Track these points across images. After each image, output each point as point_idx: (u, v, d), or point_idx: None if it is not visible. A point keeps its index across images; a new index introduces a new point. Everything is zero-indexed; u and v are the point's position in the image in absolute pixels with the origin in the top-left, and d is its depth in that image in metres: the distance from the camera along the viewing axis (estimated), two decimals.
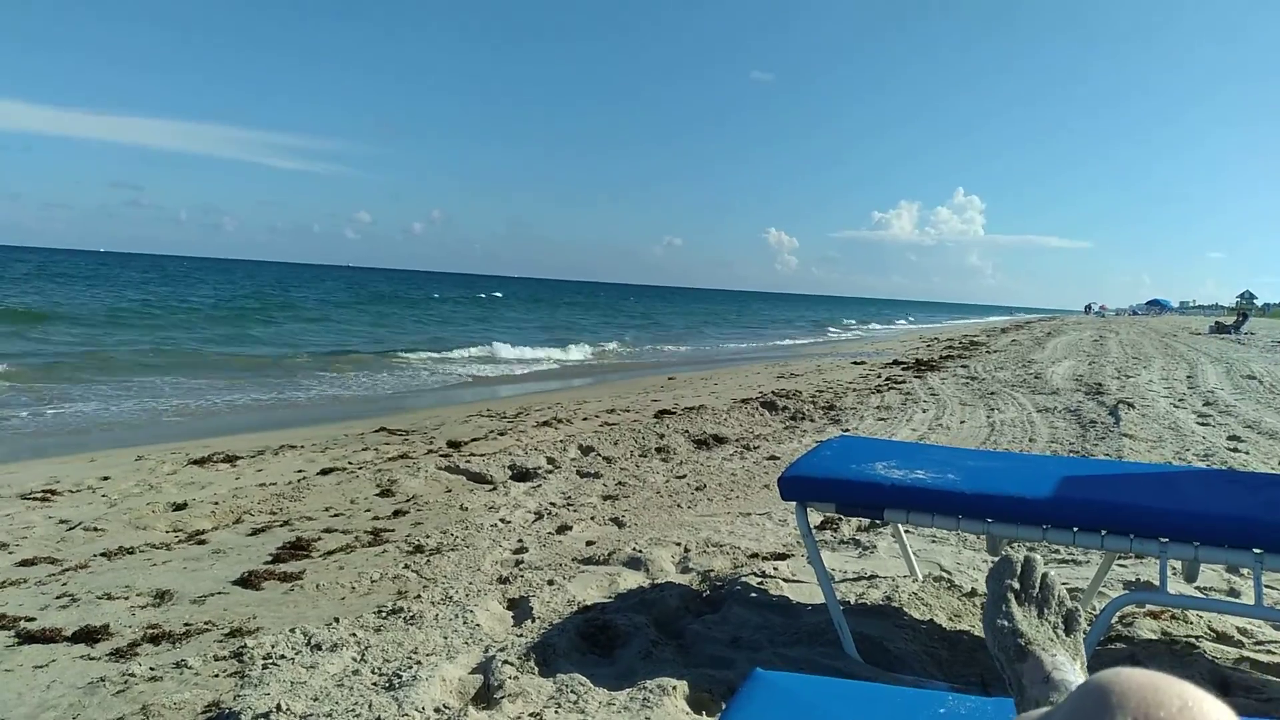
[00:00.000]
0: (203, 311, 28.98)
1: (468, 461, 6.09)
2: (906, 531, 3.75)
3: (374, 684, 2.51)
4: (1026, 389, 10.45)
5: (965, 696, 1.31)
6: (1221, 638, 2.89)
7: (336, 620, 3.03)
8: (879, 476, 2.59)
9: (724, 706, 1.50)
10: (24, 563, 3.87)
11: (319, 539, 4.30)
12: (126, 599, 3.38)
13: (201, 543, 4.26)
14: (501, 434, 7.53)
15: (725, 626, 2.92)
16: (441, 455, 6.46)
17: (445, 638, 2.87)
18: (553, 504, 5.02)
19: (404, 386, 13.33)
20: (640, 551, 3.82)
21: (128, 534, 4.40)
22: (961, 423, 7.86)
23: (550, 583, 3.41)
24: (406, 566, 3.82)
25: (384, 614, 3.09)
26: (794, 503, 2.72)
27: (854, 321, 54.92)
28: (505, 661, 2.58)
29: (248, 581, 3.61)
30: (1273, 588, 3.35)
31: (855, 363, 15.96)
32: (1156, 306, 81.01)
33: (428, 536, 4.30)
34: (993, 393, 10.08)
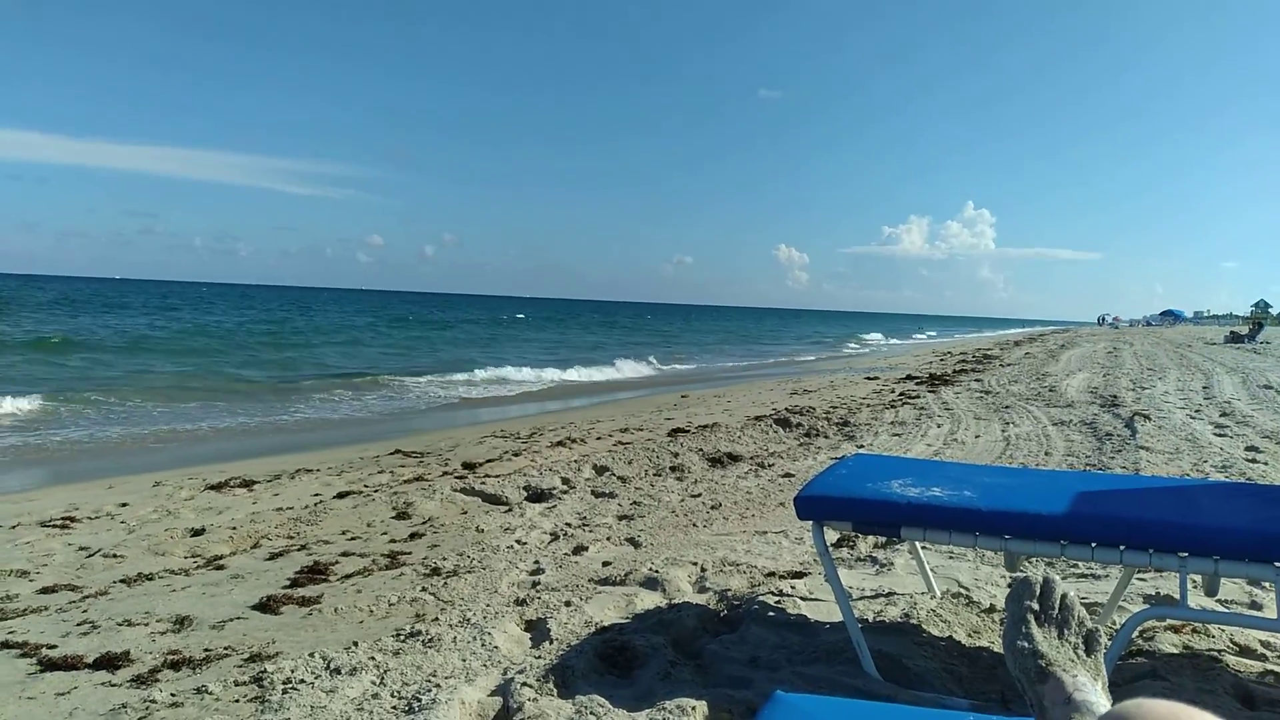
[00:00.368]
0: (226, 336, 29.24)
1: (483, 483, 6.10)
2: (923, 548, 3.73)
3: (393, 707, 2.51)
4: (1041, 402, 10.41)
5: (987, 716, 1.31)
6: (1244, 651, 2.86)
7: (355, 644, 3.03)
8: (895, 495, 2.59)
9: None
10: (45, 590, 3.90)
11: (336, 563, 4.32)
12: (146, 625, 3.40)
13: (220, 568, 4.28)
14: (516, 455, 7.55)
15: (743, 646, 2.91)
16: (457, 477, 6.48)
17: (464, 660, 2.88)
18: (568, 525, 5.02)
19: (411, 408, 13.40)
20: (657, 571, 3.81)
21: (147, 560, 4.43)
22: (976, 437, 7.82)
23: (567, 604, 3.41)
24: (424, 589, 3.82)
25: (402, 637, 3.10)
26: (810, 522, 2.72)
27: (878, 335, 54.99)
28: (524, 684, 2.59)
29: (266, 606, 3.63)
30: None
31: (869, 378, 15.93)
32: (1170, 317, 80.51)
33: (444, 559, 4.31)
34: (1007, 406, 10.04)
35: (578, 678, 2.68)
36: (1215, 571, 2.23)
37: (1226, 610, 3.17)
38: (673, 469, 6.64)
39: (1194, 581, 2.77)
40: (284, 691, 2.65)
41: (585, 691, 2.56)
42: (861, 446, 7.50)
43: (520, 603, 3.51)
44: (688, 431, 8.58)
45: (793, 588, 3.58)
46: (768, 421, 8.93)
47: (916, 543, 3.14)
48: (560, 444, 8.05)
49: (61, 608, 3.63)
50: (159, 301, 61.20)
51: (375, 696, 2.59)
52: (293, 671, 2.79)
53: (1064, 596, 1.22)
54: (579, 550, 4.44)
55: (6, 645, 3.17)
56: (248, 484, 6.38)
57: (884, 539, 4.25)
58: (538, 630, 3.18)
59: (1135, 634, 2.91)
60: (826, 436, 8.17)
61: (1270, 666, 2.74)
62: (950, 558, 4.00)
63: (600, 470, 6.61)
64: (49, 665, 2.98)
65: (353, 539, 4.82)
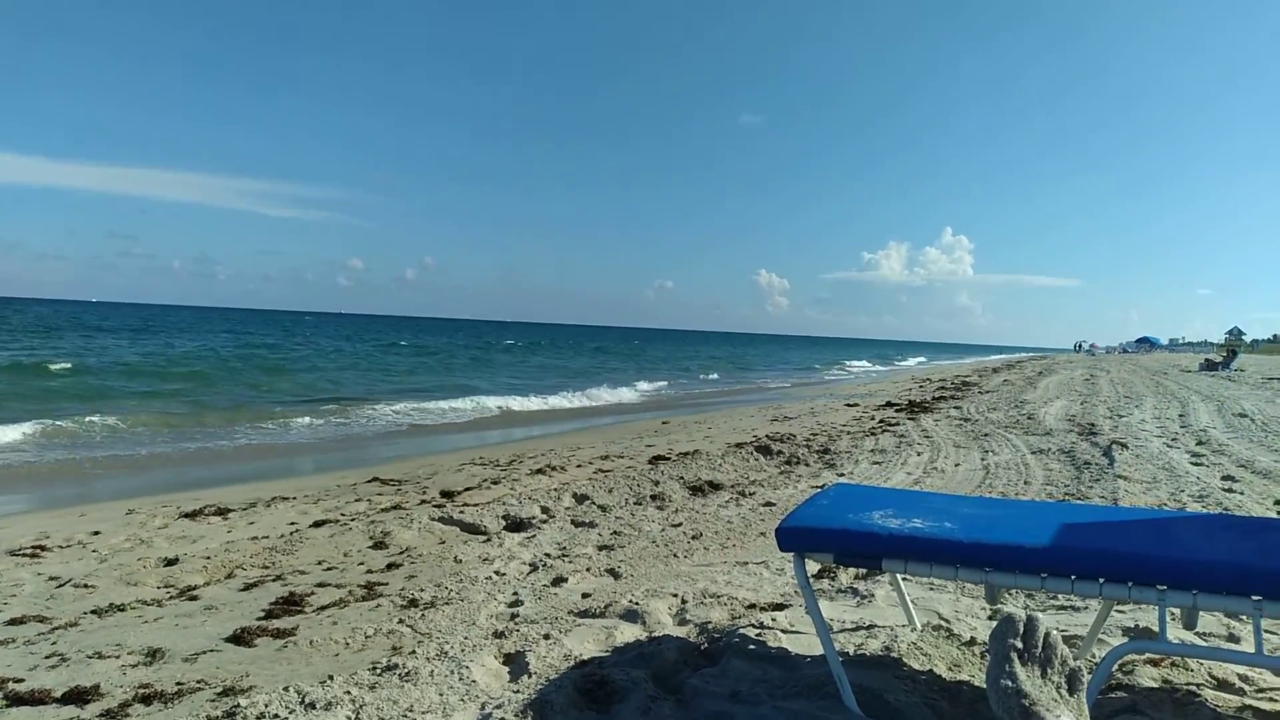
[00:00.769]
0: (206, 359, 28.97)
1: (461, 512, 6.05)
2: (904, 579, 3.73)
3: None
4: (1020, 430, 10.47)
5: None
6: (1223, 685, 2.87)
7: (330, 678, 2.98)
8: (876, 526, 2.59)
9: None
10: (13, 621, 3.83)
11: (312, 593, 4.26)
12: (117, 658, 3.34)
13: (193, 599, 4.21)
14: (495, 482, 7.50)
15: (724, 680, 2.89)
16: (435, 506, 6.43)
17: (441, 694, 2.83)
18: (547, 555, 4.98)
19: (386, 433, 13.29)
20: (637, 603, 3.78)
21: (118, 590, 4.35)
22: (956, 465, 7.86)
23: (546, 637, 3.38)
24: (401, 621, 3.78)
25: (379, 670, 3.05)
26: (791, 553, 2.71)
27: (861, 361, 55.54)
28: (502, 719, 2.55)
29: (240, 638, 3.57)
30: (1273, 633, 3.34)
31: (848, 404, 15.99)
32: (1146, 344, 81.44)
33: (422, 590, 4.26)
34: (986, 434, 10.09)
35: (556, 713, 2.64)
36: (1194, 605, 2.24)
37: (1206, 645, 3.17)
38: (653, 497, 6.61)
39: (1173, 614, 2.78)
40: None
41: None
42: (842, 475, 7.51)
43: (498, 635, 3.47)
44: (668, 459, 8.57)
45: (774, 620, 3.56)
46: (749, 449, 8.93)
47: (898, 574, 3.14)
48: (540, 471, 8.01)
49: (30, 640, 3.56)
50: (138, 324, 60.62)
51: None
52: (266, 706, 2.74)
53: (1047, 635, 1.22)
54: (558, 581, 4.40)
55: None
56: (223, 512, 6.29)
57: (865, 570, 4.24)
58: (516, 664, 3.14)
59: (1114, 668, 2.91)
60: (807, 464, 8.17)
61: (1248, 701, 2.74)
62: (931, 589, 3.99)
63: (580, 499, 6.58)
64: (15, 700, 2.92)
65: (329, 569, 4.76)
